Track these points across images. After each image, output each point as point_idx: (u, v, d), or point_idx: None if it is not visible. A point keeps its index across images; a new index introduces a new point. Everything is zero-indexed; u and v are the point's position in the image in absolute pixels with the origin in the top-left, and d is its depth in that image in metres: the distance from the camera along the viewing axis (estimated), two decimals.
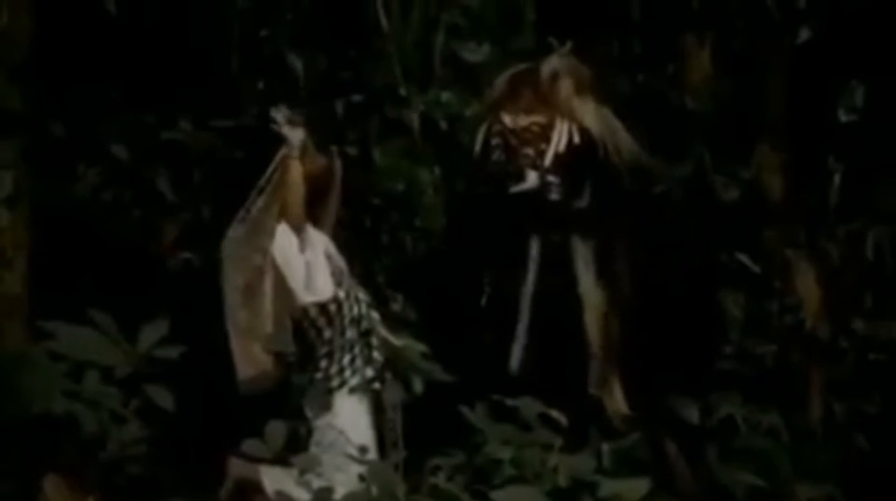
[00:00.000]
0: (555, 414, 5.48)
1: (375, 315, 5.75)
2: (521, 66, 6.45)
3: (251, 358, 5.60)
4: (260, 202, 5.67)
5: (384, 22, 8.41)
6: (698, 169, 7.00)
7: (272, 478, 5.44)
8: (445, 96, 8.42)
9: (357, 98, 8.14)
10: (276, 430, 5.16)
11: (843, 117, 7.93)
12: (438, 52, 8.74)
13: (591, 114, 6.17)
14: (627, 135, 6.19)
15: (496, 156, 6.19)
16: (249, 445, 5.16)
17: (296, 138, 5.66)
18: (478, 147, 6.28)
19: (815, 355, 6.99)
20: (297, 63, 8.21)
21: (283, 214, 5.63)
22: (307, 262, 5.60)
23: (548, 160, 6.10)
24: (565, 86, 6.18)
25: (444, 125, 8.23)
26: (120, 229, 7.14)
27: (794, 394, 6.83)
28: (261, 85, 8.12)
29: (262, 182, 5.69)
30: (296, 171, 5.64)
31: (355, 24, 8.46)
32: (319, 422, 5.55)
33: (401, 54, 8.39)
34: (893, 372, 6.95)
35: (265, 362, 5.59)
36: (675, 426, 6.17)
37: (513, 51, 9.09)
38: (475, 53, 9.16)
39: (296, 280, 5.59)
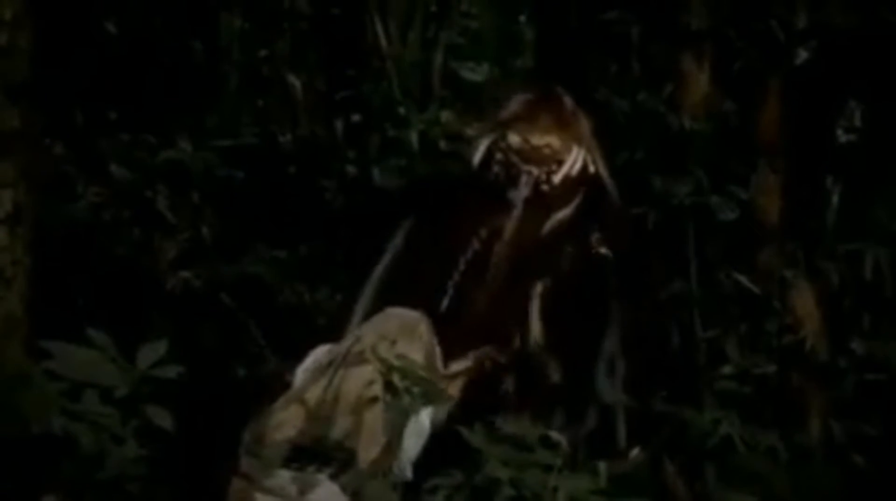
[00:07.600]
0: (554, 434, 5.48)
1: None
2: (538, 90, 6.41)
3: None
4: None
5: (383, 41, 8.44)
6: (697, 189, 7.00)
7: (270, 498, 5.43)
8: (445, 116, 8.43)
9: (356, 117, 8.17)
10: (275, 450, 5.15)
11: (842, 137, 7.94)
12: (438, 72, 8.76)
13: (601, 158, 6.19)
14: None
15: (496, 170, 6.15)
16: (249, 465, 5.15)
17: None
18: (477, 159, 6.23)
19: (814, 375, 6.98)
20: (296, 82, 8.26)
21: None
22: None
23: (557, 178, 6.09)
24: (587, 124, 6.19)
25: (443, 144, 8.24)
26: (119, 249, 7.16)
27: (793, 415, 6.83)
28: (260, 104, 8.16)
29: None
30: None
31: (354, 44, 8.49)
32: None
33: (400, 74, 8.42)
34: (893, 393, 6.95)
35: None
36: (674, 446, 6.16)
37: (512, 70, 9.12)
38: (475, 73, 9.20)
39: (409, 454, 5.45)
